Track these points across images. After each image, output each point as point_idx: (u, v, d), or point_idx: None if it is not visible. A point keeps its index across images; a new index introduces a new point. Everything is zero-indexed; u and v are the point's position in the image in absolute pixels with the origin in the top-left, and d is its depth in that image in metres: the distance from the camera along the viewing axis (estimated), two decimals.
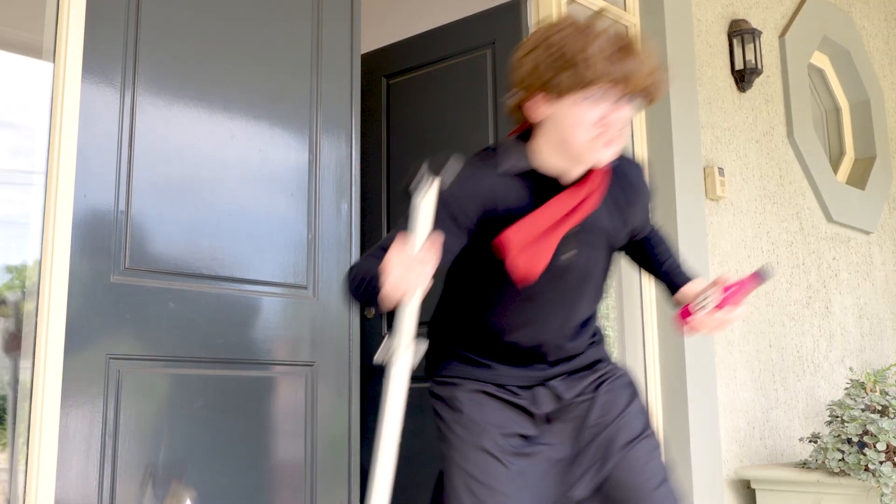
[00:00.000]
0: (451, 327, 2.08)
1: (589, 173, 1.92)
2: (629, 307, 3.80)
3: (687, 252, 3.79)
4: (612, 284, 3.83)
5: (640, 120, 3.92)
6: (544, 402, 2.00)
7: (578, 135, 1.82)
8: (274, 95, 2.71)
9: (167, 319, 2.37)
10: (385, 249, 1.74)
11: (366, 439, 3.89)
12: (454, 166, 1.78)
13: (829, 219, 4.81)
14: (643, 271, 2.26)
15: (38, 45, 2.26)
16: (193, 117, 2.50)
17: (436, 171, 1.75)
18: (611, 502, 1.92)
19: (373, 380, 3.92)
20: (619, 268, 3.83)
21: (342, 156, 2.86)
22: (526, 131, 1.96)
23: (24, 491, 2.09)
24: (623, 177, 2.02)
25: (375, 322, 3.95)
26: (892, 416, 3.55)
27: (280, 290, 2.64)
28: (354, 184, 2.89)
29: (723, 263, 4.04)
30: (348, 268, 2.10)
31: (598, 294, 2.08)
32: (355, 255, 2.85)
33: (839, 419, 3.60)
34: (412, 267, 1.64)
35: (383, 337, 3.91)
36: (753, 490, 3.88)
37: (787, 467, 3.78)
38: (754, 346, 4.15)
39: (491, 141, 3.67)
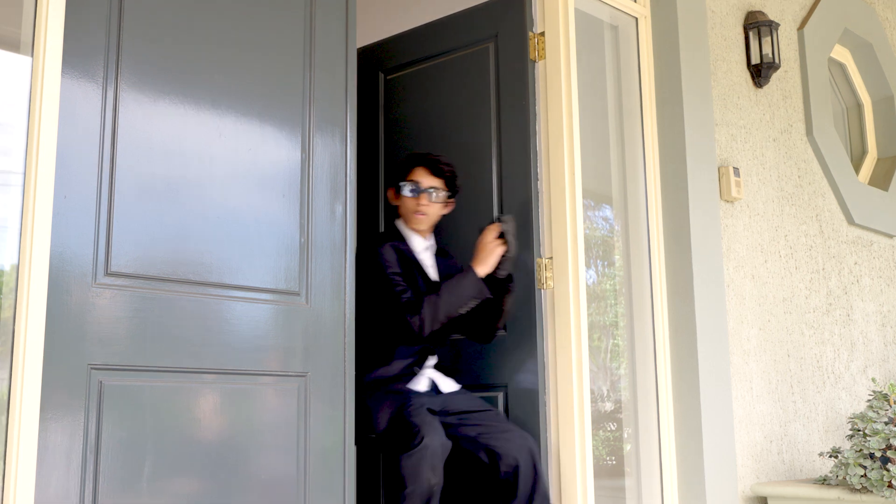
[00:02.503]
0: None
1: None
2: (639, 315, 3.80)
3: (700, 256, 3.79)
4: (620, 289, 3.84)
5: (650, 117, 3.93)
6: None
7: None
8: (264, 91, 2.71)
9: (152, 327, 2.37)
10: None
11: (360, 452, 3.89)
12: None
13: (851, 221, 4.81)
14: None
15: (15, 39, 2.27)
16: (179, 114, 2.51)
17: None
18: None
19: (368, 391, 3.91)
20: (629, 274, 3.83)
21: (336, 155, 2.87)
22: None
23: None
24: None
25: None
26: None
27: (271, 296, 2.64)
28: (349, 184, 2.89)
29: (738, 268, 4.05)
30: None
31: None
32: (350, 260, 2.85)
33: (861, 433, 3.60)
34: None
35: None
36: None
37: (806, 484, 3.78)
38: (771, 356, 4.15)
39: (493, 139, 3.67)
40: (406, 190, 3.39)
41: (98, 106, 2.35)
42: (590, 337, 3.60)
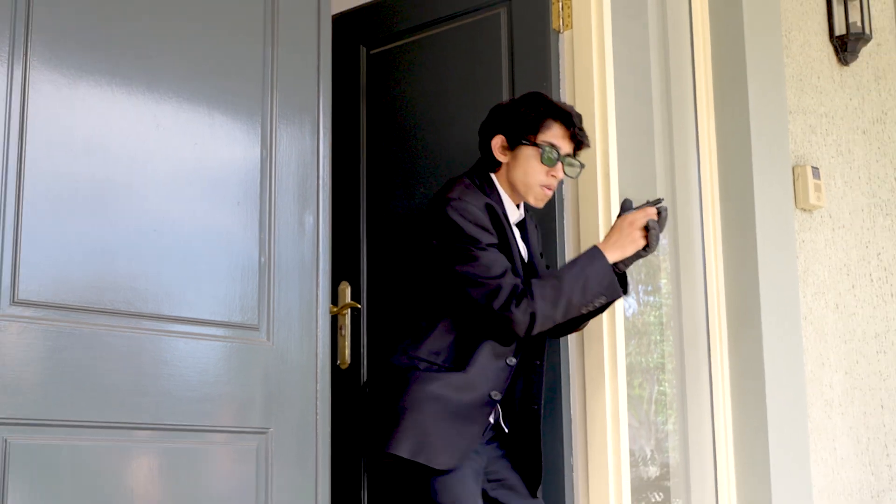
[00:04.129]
0: None
1: None
2: (692, 356, 3.80)
3: (770, 281, 3.78)
4: (667, 323, 3.84)
5: (706, 103, 3.93)
6: None
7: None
8: (215, 71, 2.72)
9: (71, 371, 2.37)
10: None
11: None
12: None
13: None
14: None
15: None
16: (106, 100, 2.51)
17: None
18: None
19: (346, 452, 3.91)
20: (679, 303, 3.83)
21: (306, 151, 2.87)
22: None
23: None
24: None
25: (351, 374, 3.95)
26: None
27: (223, 331, 2.64)
28: (323, 188, 2.90)
29: (818, 296, 4.04)
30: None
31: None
32: (324, 285, 2.85)
33: None
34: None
35: (364, 390, 3.91)
36: None
37: None
38: (861, 408, 4.14)
39: None
40: (545, 154, 3.15)
41: (2, 90, 2.35)
42: (629, 383, 3.60)
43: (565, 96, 3.60)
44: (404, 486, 3.12)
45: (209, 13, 2.73)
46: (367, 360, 3.96)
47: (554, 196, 3.49)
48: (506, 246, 3.10)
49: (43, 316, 2.36)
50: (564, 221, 3.54)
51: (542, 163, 3.14)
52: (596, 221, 3.48)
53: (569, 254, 3.52)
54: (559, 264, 3.49)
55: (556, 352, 3.45)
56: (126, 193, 2.52)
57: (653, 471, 3.75)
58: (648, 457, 3.74)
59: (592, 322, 3.43)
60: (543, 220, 3.52)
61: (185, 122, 2.65)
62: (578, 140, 3.20)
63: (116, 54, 2.55)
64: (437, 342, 3.12)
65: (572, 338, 3.48)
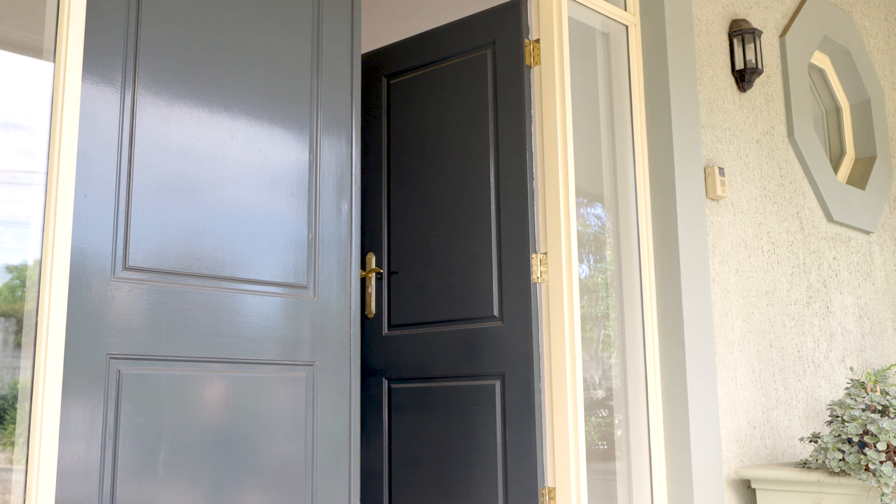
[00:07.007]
0: None
1: None
2: (629, 307, 3.80)
3: (687, 252, 3.79)
4: (611, 283, 3.84)
5: (640, 119, 3.92)
6: None
7: None
8: (274, 95, 2.71)
9: (167, 319, 2.37)
10: None
11: (366, 439, 3.89)
12: None
13: (830, 218, 4.81)
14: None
15: (38, 45, 2.27)
16: (194, 117, 2.51)
17: None
18: None
19: (372, 379, 3.92)
20: (619, 268, 3.83)
21: (342, 156, 2.87)
22: None
23: (25, 491, 2.09)
24: None
25: (376, 322, 3.95)
26: (892, 415, 3.55)
27: (280, 289, 2.64)
28: (355, 184, 2.89)
29: (723, 263, 4.04)
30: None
31: None
32: (355, 255, 2.85)
33: (839, 419, 3.60)
34: None
35: (384, 337, 3.91)
36: (754, 490, 3.88)
37: (788, 467, 3.78)
38: (755, 346, 4.15)
39: (491, 141, 3.67)
40: None
41: (116, 109, 2.35)
42: (582, 328, 3.60)
43: (535, 115, 3.60)
44: None
45: (270, 53, 2.72)
46: (387, 311, 3.96)
47: (526, 185, 3.49)
48: None
49: (146, 278, 2.36)
50: (536, 207, 3.53)
51: None
52: (557, 207, 3.47)
53: (540, 232, 3.51)
54: (532, 243, 3.49)
55: (528, 307, 3.45)
56: (209, 187, 2.52)
57: (600, 393, 3.75)
58: (597, 383, 3.74)
59: (554, 282, 3.42)
60: (519, 207, 3.51)
61: (252, 134, 2.64)
62: None
63: (201, 83, 2.54)
64: None
65: (541, 296, 3.48)
